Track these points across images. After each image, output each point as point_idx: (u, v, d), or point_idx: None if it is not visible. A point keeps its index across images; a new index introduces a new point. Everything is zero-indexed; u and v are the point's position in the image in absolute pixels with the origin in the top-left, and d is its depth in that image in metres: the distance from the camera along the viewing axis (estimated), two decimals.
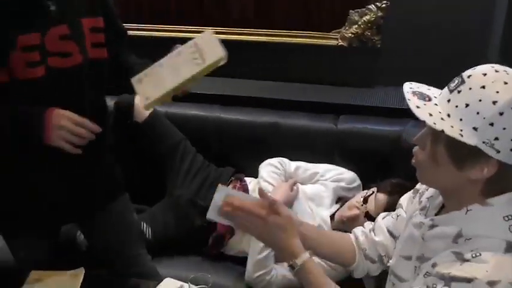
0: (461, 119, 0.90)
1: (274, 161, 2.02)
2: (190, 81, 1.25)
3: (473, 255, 0.90)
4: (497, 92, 0.88)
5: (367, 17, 2.20)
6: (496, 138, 0.88)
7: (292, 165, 2.04)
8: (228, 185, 2.04)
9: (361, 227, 1.33)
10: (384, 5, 2.17)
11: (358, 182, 2.03)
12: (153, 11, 2.39)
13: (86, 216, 1.56)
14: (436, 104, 0.94)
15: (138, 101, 2.02)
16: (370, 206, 1.76)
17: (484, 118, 0.88)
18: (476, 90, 0.89)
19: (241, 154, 2.21)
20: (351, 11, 2.20)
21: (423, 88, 0.99)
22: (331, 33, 2.26)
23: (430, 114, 0.91)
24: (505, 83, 0.88)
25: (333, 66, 2.33)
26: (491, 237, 0.92)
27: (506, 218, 0.93)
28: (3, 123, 1.26)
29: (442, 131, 0.89)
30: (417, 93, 0.95)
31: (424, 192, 1.14)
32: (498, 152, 0.88)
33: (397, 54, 2.24)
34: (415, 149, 1.02)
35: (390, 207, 1.71)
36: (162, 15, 2.38)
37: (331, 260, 1.34)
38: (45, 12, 1.22)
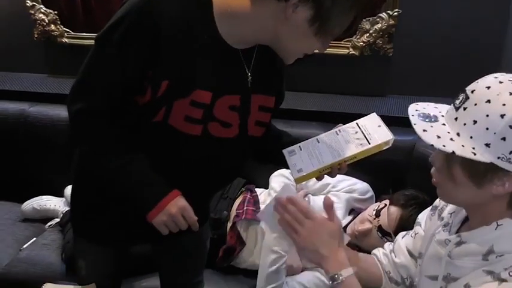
0: (471, 137, 0.87)
1: (285, 171, 1.99)
2: (349, 160, 1.17)
3: (510, 274, 0.86)
4: (504, 104, 0.85)
5: (379, 25, 2.17)
6: (511, 152, 0.85)
7: None
8: (238, 197, 2.01)
9: (382, 248, 1.29)
10: (395, 13, 2.14)
11: (371, 193, 1.99)
12: None
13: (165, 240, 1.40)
14: (444, 124, 0.91)
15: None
16: (383, 219, 1.71)
17: (494, 133, 0.85)
18: (482, 106, 0.86)
19: (252, 164, 2.16)
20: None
21: (430, 107, 0.96)
22: (342, 42, 2.23)
23: (438, 137, 0.88)
24: (511, 93, 0.85)
25: (344, 76, 2.31)
26: None
27: None
28: (122, 180, 1.18)
29: (453, 153, 0.86)
30: (422, 115, 0.93)
31: (444, 208, 1.11)
32: None
33: (410, 63, 2.22)
34: (433, 170, 0.99)
35: (404, 220, 1.68)
36: None
37: (360, 282, 1.29)
38: (237, 79, 1.18)
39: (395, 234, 1.47)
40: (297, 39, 1.11)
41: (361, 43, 2.21)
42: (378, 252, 1.28)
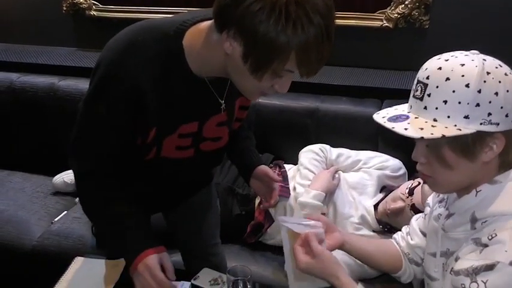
0: (448, 116, 0.91)
1: (315, 147, 1.95)
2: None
3: (490, 237, 0.90)
4: (463, 75, 0.90)
5: None
6: (489, 114, 0.89)
7: (333, 152, 1.96)
8: None
9: (400, 232, 1.32)
10: None
11: (403, 170, 1.93)
12: None
13: (174, 206, 1.57)
14: (416, 117, 0.94)
15: None
16: (417, 198, 1.66)
17: (468, 104, 0.89)
18: (444, 85, 0.90)
19: (281, 140, 2.15)
20: None
21: (391, 111, 1.00)
22: (375, 14, 2.15)
23: (421, 128, 0.91)
24: (462, 64, 0.91)
25: (378, 49, 2.23)
26: (506, 214, 0.91)
27: None
28: (105, 229, 1.26)
29: (443, 136, 0.89)
30: (392, 118, 0.96)
31: None
32: (497, 124, 0.90)
33: (446, 35, 2.12)
34: (418, 166, 1.01)
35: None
36: None
37: (381, 268, 1.33)
38: (214, 108, 1.21)
39: None
40: (241, 77, 1.04)
41: (396, 15, 2.12)
42: (397, 235, 1.31)
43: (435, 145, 0.94)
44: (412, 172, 1.91)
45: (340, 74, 2.24)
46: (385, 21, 2.15)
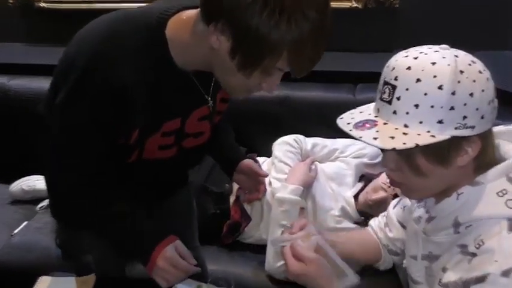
0: (421, 122, 0.84)
1: (289, 138, 1.87)
2: None
3: (477, 246, 0.85)
4: (435, 76, 0.83)
5: None
6: (465, 117, 0.83)
7: (308, 142, 1.89)
8: None
9: (377, 218, 1.27)
10: None
11: (380, 156, 1.87)
12: None
13: (150, 208, 1.48)
14: (385, 123, 0.86)
15: None
16: None
17: (441, 107, 0.82)
18: (414, 88, 0.83)
19: (252, 132, 2.06)
20: None
21: (356, 115, 0.92)
22: None
23: (392, 137, 0.84)
24: (433, 63, 0.83)
25: (347, 31, 2.14)
26: (490, 218, 0.86)
27: (501, 194, 0.87)
28: (114, 238, 1.21)
29: (417, 145, 0.82)
30: (358, 124, 0.88)
31: None
32: (473, 127, 0.84)
33: (417, 15, 2.07)
34: (388, 172, 0.95)
35: None
36: None
37: (361, 261, 1.28)
38: (196, 102, 1.14)
39: None
40: (227, 74, 0.97)
41: None
42: (374, 224, 1.25)
43: (407, 153, 0.86)
44: None
45: None
46: (354, 2, 2.08)
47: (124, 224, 1.18)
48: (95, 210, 1.17)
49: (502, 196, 0.87)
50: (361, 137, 0.86)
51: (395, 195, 1.60)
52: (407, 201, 1.15)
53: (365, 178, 1.83)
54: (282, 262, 1.61)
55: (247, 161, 1.39)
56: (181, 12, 1.00)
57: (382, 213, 1.26)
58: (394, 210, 1.21)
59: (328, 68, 2.09)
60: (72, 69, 0.99)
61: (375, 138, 0.85)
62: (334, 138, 1.93)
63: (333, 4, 2.00)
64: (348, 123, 0.91)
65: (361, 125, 0.88)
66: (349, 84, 2.05)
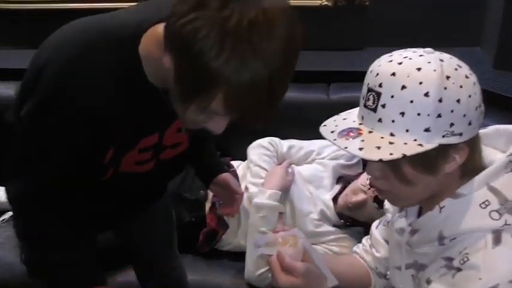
0: (407, 130, 0.80)
1: (264, 141, 1.83)
2: None
3: (462, 261, 0.83)
4: (421, 82, 0.79)
5: None
6: (452, 124, 0.80)
7: (284, 144, 1.85)
8: None
9: (361, 244, 1.21)
10: None
11: (358, 157, 1.85)
12: None
13: (129, 221, 1.43)
14: (370, 131, 0.83)
15: None
16: None
17: (428, 115, 0.79)
18: (399, 95, 0.79)
19: (225, 136, 1.97)
20: None
21: (339, 122, 0.88)
22: None
23: (378, 147, 0.80)
24: (418, 69, 0.79)
25: (318, 29, 2.11)
26: (474, 231, 0.84)
27: (483, 205, 0.84)
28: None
29: (404, 156, 0.79)
30: (342, 133, 0.84)
31: None
32: (461, 134, 0.81)
33: (388, 12, 2.05)
34: (373, 180, 0.90)
35: None
36: None
37: (351, 286, 1.20)
38: (174, 115, 1.01)
39: None
40: (174, 99, 0.86)
41: None
42: (358, 249, 1.21)
43: (393, 162, 0.82)
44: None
45: None
46: (324, 0, 2.05)
47: (71, 271, 1.12)
48: (51, 249, 1.11)
49: (485, 208, 0.84)
50: (346, 148, 0.82)
51: (376, 198, 1.58)
52: (389, 216, 1.11)
53: (343, 180, 1.80)
54: (262, 270, 1.58)
55: (225, 176, 1.34)
56: (157, 26, 0.92)
57: (366, 237, 1.22)
58: (377, 230, 1.17)
59: (300, 67, 2.03)
60: (41, 76, 0.91)
61: (361, 149, 0.80)
62: (310, 139, 1.90)
63: (303, 2, 2.03)
64: (332, 132, 0.86)
65: (345, 133, 0.84)
66: (323, 84, 2.01)
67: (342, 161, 1.82)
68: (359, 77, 2.14)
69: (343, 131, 0.84)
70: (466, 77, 0.81)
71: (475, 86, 0.82)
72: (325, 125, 0.88)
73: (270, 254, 1.01)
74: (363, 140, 0.81)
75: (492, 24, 1.93)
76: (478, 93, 0.82)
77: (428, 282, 0.89)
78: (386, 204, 1.14)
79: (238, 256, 1.70)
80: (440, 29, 2.03)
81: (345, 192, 1.70)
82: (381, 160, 0.79)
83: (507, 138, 0.91)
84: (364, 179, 1.64)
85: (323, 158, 1.83)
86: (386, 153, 0.79)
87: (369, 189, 1.60)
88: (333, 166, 1.80)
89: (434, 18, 2.03)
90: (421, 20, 2.05)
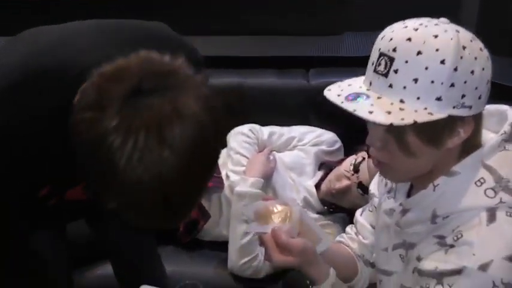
0: (418, 98, 0.78)
1: (244, 128, 1.78)
2: None
3: (455, 238, 0.83)
4: (437, 49, 0.77)
5: None
6: (463, 96, 0.78)
7: (264, 131, 1.81)
8: None
9: (345, 233, 1.19)
10: None
11: (339, 143, 1.83)
12: None
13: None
14: (379, 97, 0.80)
15: None
16: (363, 175, 1.56)
17: (442, 83, 0.77)
18: (414, 60, 0.78)
19: None
20: None
21: (344, 87, 0.85)
22: None
23: (389, 112, 0.78)
24: (435, 36, 0.78)
25: (296, 14, 2.09)
26: (469, 210, 0.83)
27: (479, 183, 0.83)
28: None
29: (415, 122, 0.77)
30: (350, 97, 0.81)
31: None
32: (470, 107, 0.80)
33: None
34: (373, 151, 0.88)
35: None
36: None
37: (339, 274, 1.15)
38: None
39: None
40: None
41: None
42: (343, 238, 1.19)
43: (398, 130, 0.80)
44: (348, 145, 1.82)
45: (260, 44, 2.07)
46: None
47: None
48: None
49: (480, 186, 0.83)
50: (355, 111, 0.79)
51: (360, 183, 1.56)
52: (375, 200, 1.09)
53: (324, 166, 1.78)
54: (246, 259, 1.55)
55: None
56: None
57: (350, 225, 1.20)
58: (362, 216, 1.15)
59: (278, 53, 2.04)
60: None
61: (371, 112, 0.78)
62: (290, 125, 1.87)
63: None
64: (338, 95, 0.83)
65: (351, 98, 0.81)
66: (302, 69, 1.99)
67: (323, 147, 1.80)
68: (338, 62, 2.13)
69: (349, 95, 0.82)
70: (481, 49, 0.81)
71: (488, 60, 0.82)
72: (329, 90, 0.85)
73: (263, 232, 0.96)
74: (372, 104, 0.79)
75: (471, 8, 1.93)
76: (489, 68, 0.82)
77: (419, 259, 0.88)
78: (372, 189, 1.12)
79: (220, 246, 1.66)
80: (421, 13, 2.01)
81: (328, 178, 1.68)
82: (391, 124, 0.77)
83: (498, 118, 0.91)
84: (347, 164, 1.62)
85: (304, 145, 1.81)
86: (397, 118, 0.77)
87: (353, 175, 1.58)
88: (314, 152, 1.78)
89: (414, 2, 2.02)
90: (401, 3, 2.03)
